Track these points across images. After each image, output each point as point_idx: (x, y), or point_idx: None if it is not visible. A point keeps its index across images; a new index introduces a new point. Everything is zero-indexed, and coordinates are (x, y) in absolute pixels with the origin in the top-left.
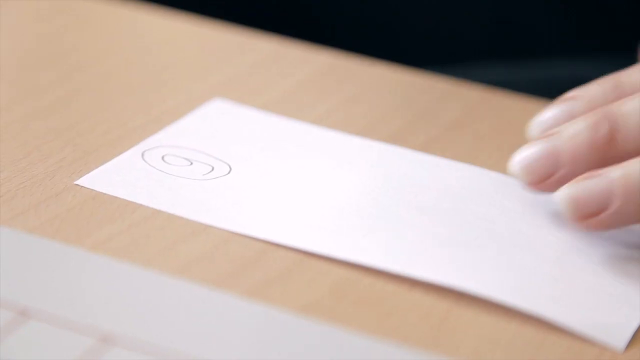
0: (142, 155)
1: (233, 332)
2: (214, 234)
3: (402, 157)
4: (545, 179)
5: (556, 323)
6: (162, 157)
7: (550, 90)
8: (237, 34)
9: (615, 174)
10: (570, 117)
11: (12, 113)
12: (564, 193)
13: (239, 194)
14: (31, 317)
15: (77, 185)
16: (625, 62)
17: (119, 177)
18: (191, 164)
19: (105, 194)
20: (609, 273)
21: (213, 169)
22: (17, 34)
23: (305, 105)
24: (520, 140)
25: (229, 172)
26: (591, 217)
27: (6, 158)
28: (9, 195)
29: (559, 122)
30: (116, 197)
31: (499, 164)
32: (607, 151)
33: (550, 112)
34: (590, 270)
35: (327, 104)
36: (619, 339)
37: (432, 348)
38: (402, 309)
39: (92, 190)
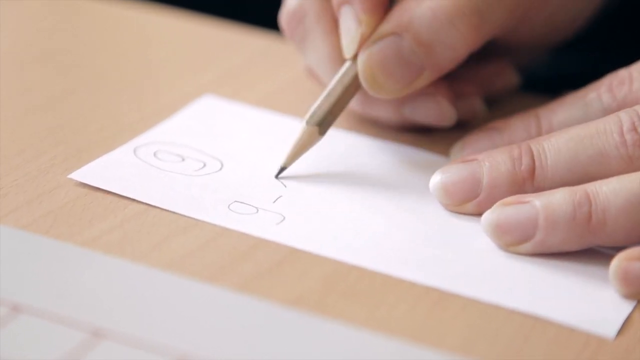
0: (134, 151)
1: (224, 326)
2: (206, 229)
3: (393, 153)
4: (463, 202)
5: (548, 319)
6: (154, 154)
7: (551, 85)
8: (229, 31)
9: (539, 203)
10: (491, 146)
11: (6, 110)
12: (488, 219)
13: (230, 189)
14: (24, 312)
15: (70, 182)
16: (628, 58)
17: (111, 172)
18: (183, 160)
19: (97, 190)
20: (596, 266)
21: (205, 165)
22: (12, 32)
23: (297, 101)
24: None
25: (220, 169)
26: (515, 245)
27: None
28: (2, 192)
29: (480, 149)
30: (108, 194)
31: None
32: (525, 184)
33: (472, 138)
34: (577, 263)
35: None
36: (609, 328)
37: (420, 339)
38: (391, 301)
39: (85, 186)
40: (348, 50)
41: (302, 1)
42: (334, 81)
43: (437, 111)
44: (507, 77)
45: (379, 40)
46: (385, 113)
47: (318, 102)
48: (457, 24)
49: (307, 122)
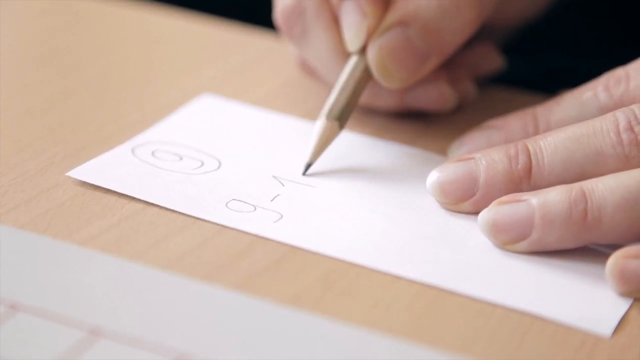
0: (132, 150)
1: (222, 325)
2: (203, 228)
3: (391, 152)
4: (460, 201)
5: (545, 317)
6: (152, 153)
7: (548, 84)
8: (229, 31)
9: (535, 202)
10: (488, 145)
11: (5, 110)
12: (485, 218)
13: (228, 188)
14: (22, 311)
15: (68, 180)
16: (625, 56)
17: (109, 170)
18: (181, 159)
19: (95, 189)
20: (593, 265)
21: (203, 164)
22: (12, 33)
23: (295, 100)
24: None
25: (218, 167)
26: (512, 244)
27: None
28: (0, 191)
29: (478, 147)
30: (106, 193)
31: None
32: (522, 183)
33: (470, 137)
34: (574, 262)
35: (317, 98)
36: (606, 326)
37: (417, 337)
38: (388, 300)
39: (83, 185)
40: (354, 43)
41: None
42: (345, 75)
43: (439, 96)
44: (492, 59)
45: (387, 31)
46: (388, 102)
47: (333, 97)
48: (462, 7)
49: (327, 117)
